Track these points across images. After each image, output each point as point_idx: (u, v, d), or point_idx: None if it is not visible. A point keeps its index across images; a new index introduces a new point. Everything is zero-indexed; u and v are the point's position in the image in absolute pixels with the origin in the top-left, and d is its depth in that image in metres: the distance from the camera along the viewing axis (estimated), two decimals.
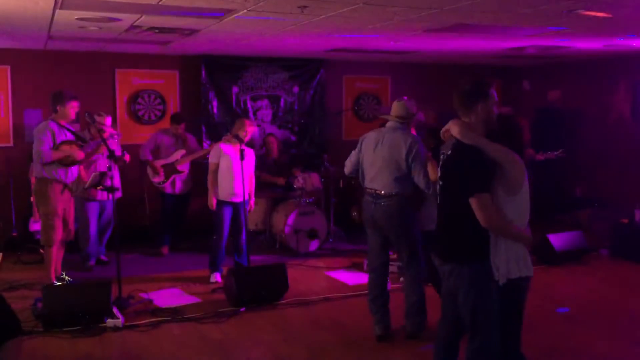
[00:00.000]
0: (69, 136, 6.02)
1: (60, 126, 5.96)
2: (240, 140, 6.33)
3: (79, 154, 5.97)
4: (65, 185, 6.00)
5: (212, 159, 6.54)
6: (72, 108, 5.98)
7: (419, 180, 4.65)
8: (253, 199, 6.75)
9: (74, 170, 6.08)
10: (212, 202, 6.49)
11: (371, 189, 4.87)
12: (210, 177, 6.51)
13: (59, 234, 5.97)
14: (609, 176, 9.11)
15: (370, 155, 4.88)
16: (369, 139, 4.94)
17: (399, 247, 4.93)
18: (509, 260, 3.26)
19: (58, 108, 5.95)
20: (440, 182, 3.51)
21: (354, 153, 5.07)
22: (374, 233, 4.97)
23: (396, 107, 4.91)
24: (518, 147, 3.37)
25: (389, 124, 4.91)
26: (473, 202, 3.24)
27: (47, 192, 5.89)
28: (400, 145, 4.70)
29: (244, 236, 6.48)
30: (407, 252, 4.83)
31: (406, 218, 4.80)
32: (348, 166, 5.13)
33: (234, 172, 6.36)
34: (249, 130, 6.47)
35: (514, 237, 3.28)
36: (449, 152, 3.43)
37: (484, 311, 3.33)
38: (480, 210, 3.22)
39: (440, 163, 3.54)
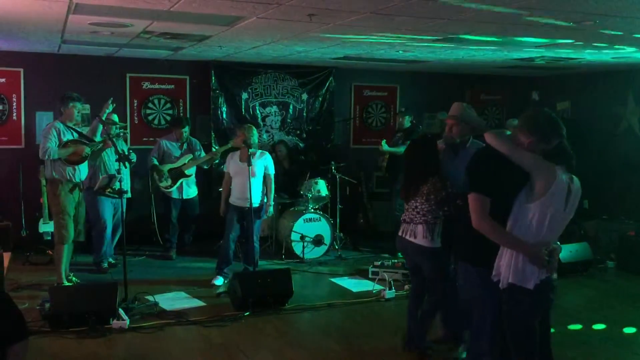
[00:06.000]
0: (76, 137, 6.15)
1: (67, 127, 6.11)
2: (248, 146, 6.39)
3: (83, 150, 6.06)
4: (75, 185, 6.10)
5: (226, 168, 6.74)
6: (75, 109, 6.14)
7: None
8: (268, 205, 6.68)
9: (83, 169, 6.19)
10: (221, 208, 6.65)
11: None
12: (223, 185, 6.74)
13: (71, 233, 6.07)
14: (617, 188, 9.09)
15: None
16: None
17: None
18: (509, 265, 3.25)
19: (62, 110, 6.15)
20: None
21: None
22: None
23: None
24: None
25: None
26: (469, 199, 3.31)
27: (58, 192, 6.02)
28: None
29: (252, 243, 6.49)
30: None
31: None
32: None
33: (240, 178, 6.45)
34: (239, 135, 6.62)
35: (508, 244, 3.27)
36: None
37: (476, 314, 3.41)
38: (472, 209, 3.29)
39: None
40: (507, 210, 3.28)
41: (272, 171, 6.65)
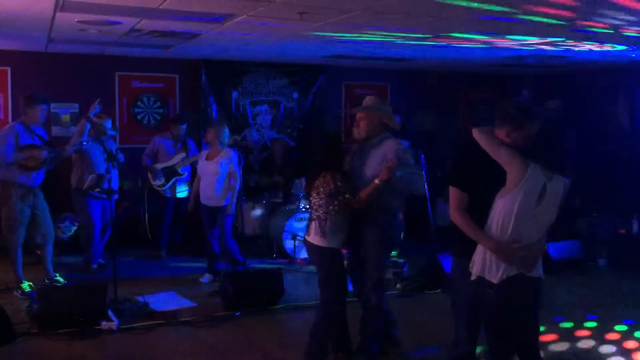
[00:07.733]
0: (36, 140, 5.95)
1: (28, 129, 5.89)
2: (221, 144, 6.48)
3: (41, 155, 5.84)
4: (29, 190, 5.90)
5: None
6: (41, 111, 5.92)
7: None
8: (230, 203, 6.49)
9: (38, 175, 5.95)
10: (190, 204, 6.73)
11: None
12: (194, 181, 6.77)
13: (19, 238, 5.94)
14: (608, 186, 9.12)
15: None
16: None
17: None
18: (480, 258, 3.26)
19: (27, 110, 5.92)
20: None
21: None
22: None
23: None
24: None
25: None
26: (449, 191, 3.38)
27: (9, 196, 5.82)
28: None
29: (224, 242, 6.52)
30: None
31: None
32: None
33: (205, 177, 6.49)
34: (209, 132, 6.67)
35: (476, 239, 3.27)
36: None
37: (458, 306, 3.50)
38: (450, 201, 3.36)
39: None
40: (488, 206, 3.23)
41: (237, 169, 6.54)
